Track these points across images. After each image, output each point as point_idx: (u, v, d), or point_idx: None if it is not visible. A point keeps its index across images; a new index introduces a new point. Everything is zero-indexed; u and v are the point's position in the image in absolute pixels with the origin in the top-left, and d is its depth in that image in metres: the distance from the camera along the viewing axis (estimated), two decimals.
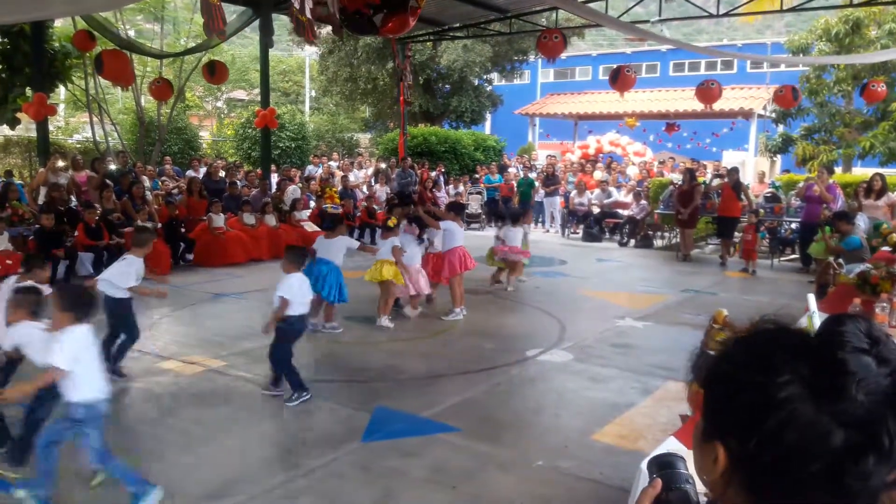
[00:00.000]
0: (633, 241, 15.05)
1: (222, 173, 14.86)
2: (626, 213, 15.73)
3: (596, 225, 15.88)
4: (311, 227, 13.28)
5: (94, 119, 19.91)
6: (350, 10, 8.49)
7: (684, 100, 23.50)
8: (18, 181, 14.49)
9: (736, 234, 12.91)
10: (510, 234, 9.70)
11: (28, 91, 13.84)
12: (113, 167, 13.75)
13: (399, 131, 19.86)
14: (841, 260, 7.55)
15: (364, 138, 31.43)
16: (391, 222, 7.67)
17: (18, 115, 14.58)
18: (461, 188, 18.36)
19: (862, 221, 9.44)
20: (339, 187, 15.82)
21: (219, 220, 11.86)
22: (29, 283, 4.59)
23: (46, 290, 4.51)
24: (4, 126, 15.57)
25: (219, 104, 35.27)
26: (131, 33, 20.54)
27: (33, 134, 16.24)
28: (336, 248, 7.21)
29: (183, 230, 11.79)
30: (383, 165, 18.64)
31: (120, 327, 5.73)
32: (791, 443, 0.83)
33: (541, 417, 5.17)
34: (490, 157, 22.64)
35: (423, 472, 4.14)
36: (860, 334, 0.86)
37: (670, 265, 12.59)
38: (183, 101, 23.10)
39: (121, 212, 11.19)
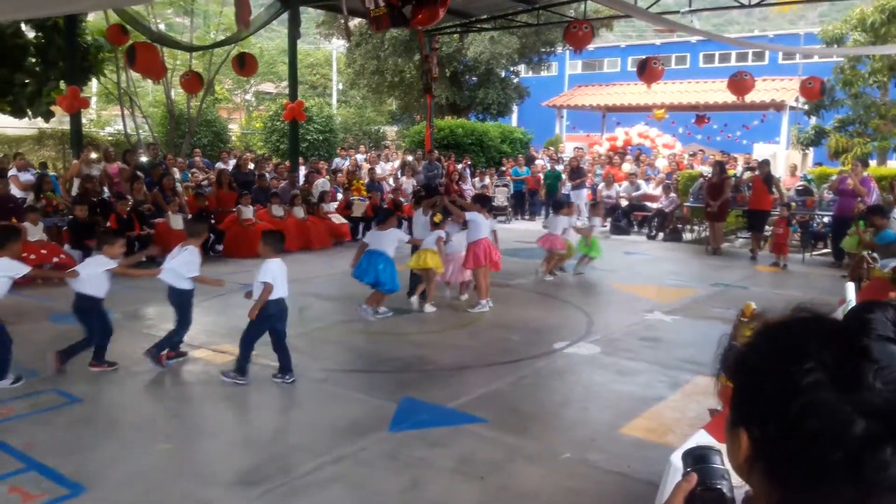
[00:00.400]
0: (661, 235, 14.90)
1: (251, 165, 14.99)
2: (654, 205, 15.58)
3: (624, 218, 15.75)
4: (338, 219, 13.36)
5: (126, 112, 20.22)
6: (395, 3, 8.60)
7: (714, 91, 23.23)
8: (52, 173, 14.77)
9: (767, 227, 12.74)
10: (553, 222, 10.14)
11: (62, 84, 14.07)
12: (144, 159, 13.94)
13: (426, 124, 19.88)
14: (875, 254, 7.42)
15: (391, 131, 31.47)
16: (436, 219, 8.09)
17: (52, 108, 14.85)
18: (487, 181, 18.33)
19: None
20: (366, 180, 15.89)
21: (248, 211, 11.97)
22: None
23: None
24: (39, 119, 15.86)
25: (247, 97, 35.53)
26: (162, 27, 20.78)
27: (67, 126, 16.51)
28: (388, 240, 7.52)
29: (212, 221, 11.92)
30: (410, 158, 18.65)
31: (179, 316, 5.84)
32: (812, 430, 0.81)
33: (568, 410, 5.15)
34: (517, 150, 22.53)
35: (450, 462, 4.14)
36: (887, 322, 0.83)
37: (699, 259, 12.45)
38: (212, 94, 23.36)
39: (151, 203, 11.36)
